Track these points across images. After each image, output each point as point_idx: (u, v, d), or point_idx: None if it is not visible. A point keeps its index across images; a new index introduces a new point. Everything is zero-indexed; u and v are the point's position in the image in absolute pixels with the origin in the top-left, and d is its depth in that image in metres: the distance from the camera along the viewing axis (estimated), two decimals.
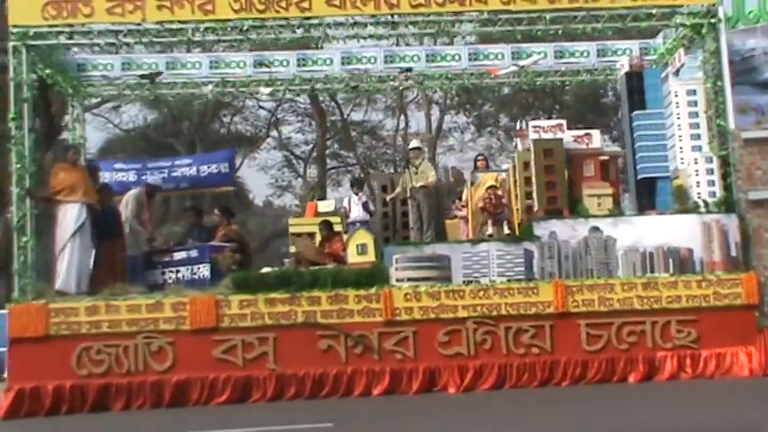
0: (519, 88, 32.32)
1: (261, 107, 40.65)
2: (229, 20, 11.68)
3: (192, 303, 11.06)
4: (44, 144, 29.39)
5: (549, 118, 36.72)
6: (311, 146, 40.92)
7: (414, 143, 13.90)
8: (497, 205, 12.15)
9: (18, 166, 11.39)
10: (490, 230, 12.18)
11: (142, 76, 13.33)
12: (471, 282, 11.39)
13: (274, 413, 9.99)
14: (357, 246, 11.69)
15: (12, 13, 11.50)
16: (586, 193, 11.89)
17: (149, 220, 12.79)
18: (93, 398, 10.79)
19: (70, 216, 11.52)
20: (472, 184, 13.43)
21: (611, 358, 11.13)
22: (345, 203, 13.99)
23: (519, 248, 11.53)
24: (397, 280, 11.31)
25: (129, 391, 10.85)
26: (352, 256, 11.74)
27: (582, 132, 12.35)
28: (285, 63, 14.42)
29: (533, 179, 12.04)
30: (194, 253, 12.67)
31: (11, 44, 11.49)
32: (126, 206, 12.64)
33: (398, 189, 13.39)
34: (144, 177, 14.14)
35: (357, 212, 13.45)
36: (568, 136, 12.12)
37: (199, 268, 12.57)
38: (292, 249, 13.91)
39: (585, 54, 14.83)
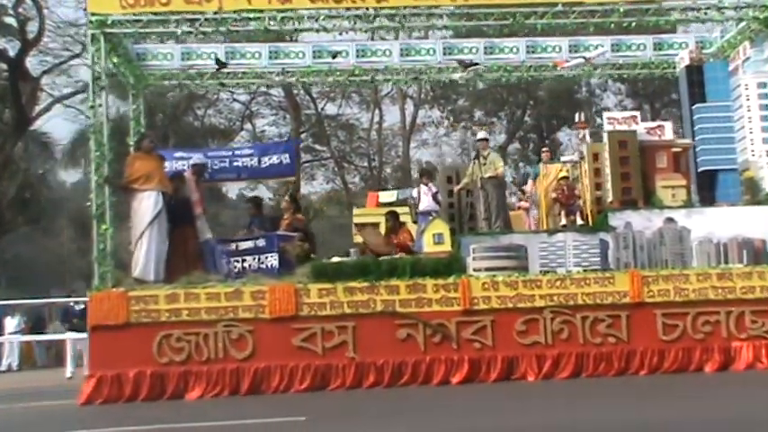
0: (494, 83, 32.41)
1: (235, 100, 40.55)
2: (305, 9, 11.69)
3: (272, 292, 11.08)
4: (15, 134, 29.49)
5: (523, 113, 36.90)
6: (285, 139, 40.12)
7: (481, 134, 13.93)
8: (570, 196, 12.20)
9: (97, 154, 11.40)
10: (563, 221, 12.22)
11: (218, 62, 13.32)
12: (548, 271, 11.44)
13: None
14: (434, 235, 11.73)
15: (90, 1, 11.52)
16: (660, 184, 11.95)
17: (200, 201, 12.69)
18: (173, 385, 10.84)
19: (146, 204, 11.54)
20: (535, 176, 13.46)
21: (687, 348, 11.18)
22: (415, 194, 13.98)
23: (594, 239, 11.58)
24: (475, 270, 11.35)
25: (208, 379, 10.90)
26: (429, 246, 11.78)
27: (654, 124, 12.41)
28: (345, 54, 14.44)
29: (607, 170, 12.09)
30: (261, 242, 12.70)
31: (89, 32, 11.50)
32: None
33: (466, 180, 13.41)
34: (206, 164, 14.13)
35: (427, 203, 13.45)
36: (641, 128, 12.18)
37: (266, 257, 12.57)
38: (357, 239, 13.92)
39: (642, 47, 14.88)
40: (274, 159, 14.49)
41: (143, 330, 10.92)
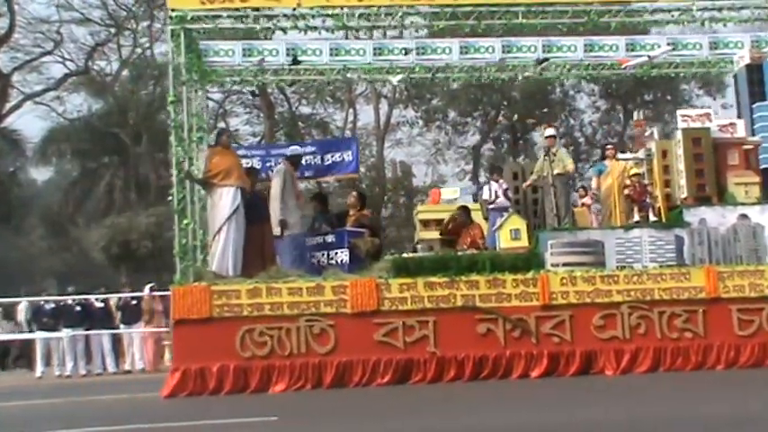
0: (468, 83, 32.51)
1: (209, 98, 40.77)
2: (383, 6, 11.75)
3: (353, 286, 11.14)
4: None
5: (497, 114, 36.98)
6: (259, 138, 40.48)
7: (549, 131, 14.02)
8: (642, 192, 12.30)
9: (178, 149, 11.46)
10: (636, 217, 12.33)
11: (294, 61, 13.36)
12: (625, 267, 11.54)
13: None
14: (511, 231, 11.82)
15: None
16: (733, 181, 12.05)
17: (301, 193, 12.68)
18: (256, 379, 10.91)
19: (225, 200, 11.59)
20: (601, 172, 13.57)
21: (762, 343, 11.29)
22: (485, 190, 14.06)
23: (670, 235, 11.68)
24: (553, 265, 11.44)
25: (291, 373, 10.97)
26: (505, 242, 11.87)
27: (726, 121, 12.50)
28: (404, 52, 14.50)
29: (681, 166, 12.20)
30: (331, 238, 12.75)
31: (169, 28, 11.56)
32: (273, 182, 12.56)
33: (534, 176, 13.50)
34: (268, 164, 14.19)
35: (497, 198, 13.53)
36: (713, 125, 12.29)
37: (336, 253, 12.62)
38: (423, 235, 14.00)
39: (698, 47, 14.98)
40: (337, 157, 14.55)
41: (225, 325, 10.98)
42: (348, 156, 14.65)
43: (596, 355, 11.20)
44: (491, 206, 13.61)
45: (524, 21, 12.20)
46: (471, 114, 37.75)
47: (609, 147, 14.49)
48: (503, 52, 14.56)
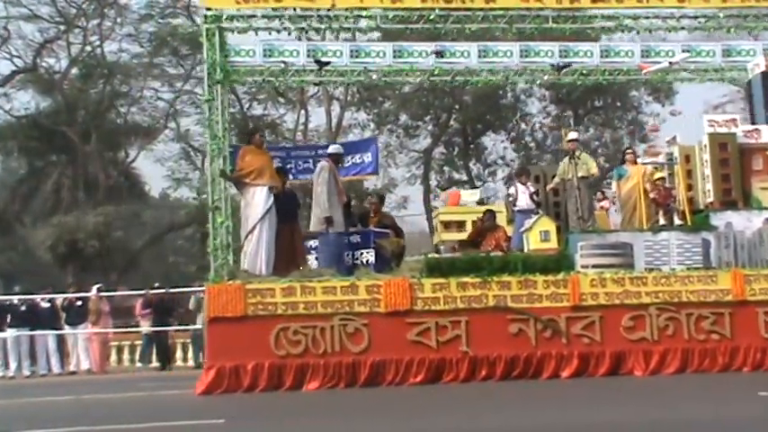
0: (419, 86, 32.64)
1: (159, 98, 40.50)
2: (416, 9, 11.85)
3: (387, 286, 11.22)
4: None
5: (449, 117, 37.23)
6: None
7: (572, 134, 14.14)
8: (667, 196, 12.49)
9: (212, 147, 11.50)
10: (662, 221, 12.50)
11: (317, 62, 13.40)
12: (653, 269, 11.70)
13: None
14: (540, 233, 11.95)
15: None
16: (759, 186, 12.27)
17: (342, 191, 12.67)
18: (291, 377, 10.96)
19: (258, 199, 11.64)
20: (620, 177, 13.74)
21: None
22: (512, 192, 14.18)
23: (697, 238, 11.86)
24: (583, 266, 11.58)
25: (325, 372, 11.03)
26: (535, 243, 11.99)
27: (751, 127, 12.72)
28: (424, 54, 14.58)
29: (707, 171, 12.39)
30: (356, 238, 12.84)
31: (204, 27, 11.60)
32: (317, 179, 12.46)
33: (557, 179, 13.65)
34: (288, 165, 14.22)
35: (524, 201, 13.66)
36: (738, 131, 12.49)
37: (362, 253, 12.75)
38: (444, 237, 14.10)
39: (712, 54, 15.18)
40: (356, 158, 14.61)
41: (260, 323, 11.02)
42: (368, 157, 14.73)
43: (625, 356, 11.34)
44: (517, 208, 13.74)
45: (554, 25, 12.34)
46: (423, 118, 37.64)
47: (629, 151, 14.65)
48: (521, 56, 14.69)
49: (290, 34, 12.51)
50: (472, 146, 39.36)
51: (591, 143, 39.27)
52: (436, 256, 11.96)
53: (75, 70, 40.55)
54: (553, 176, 13.95)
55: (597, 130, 39.25)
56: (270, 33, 12.48)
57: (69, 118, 39.05)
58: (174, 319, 21.35)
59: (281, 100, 38.56)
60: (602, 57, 14.92)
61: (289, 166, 14.31)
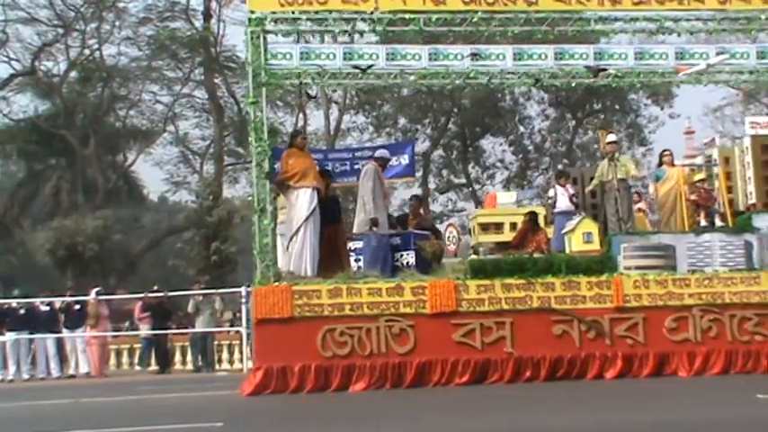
0: (417, 90, 32.56)
1: (158, 101, 41.02)
2: (459, 12, 11.90)
3: (432, 287, 11.28)
4: None
5: (447, 120, 37.23)
6: (208, 142, 41.02)
7: (611, 137, 14.20)
8: (708, 198, 12.54)
9: (258, 149, 11.57)
10: (703, 222, 12.55)
11: (355, 66, 13.40)
12: (696, 271, 11.74)
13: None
14: (583, 234, 12.01)
15: (251, 0, 11.69)
16: None
17: (387, 193, 12.72)
18: (337, 379, 11.02)
19: (302, 201, 11.69)
20: (658, 179, 13.78)
21: None
22: (552, 194, 14.24)
23: (740, 239, 11.90)
24: (626, 268, 11.63)
25: (371, 373, 11.09)
26: (577, 245, 12.05)
27: None
28: (459, 57, 14.59)
29: (749, 173, 12.45)
30: (397, 240, 12.91)
31: (249, 30, 11.67)
32: (363, 181, 12.51)
33: (595, 181, 13.71)
34: (326, 166, 14.27)
35: (564, 203, 13.72)
36: None
37: (402, 255, 12.82)
38: (482, 239, 14.16)
39: (745, 56, 15.16)
40: (394, 161, 14.66)
41: (307, 324, 11.09)
42: (404, 159, 14.80)
43: (669, 357, 11.39)
44: (557, 210, 13.80)
45: (596, 27, 12.38)
46: (421, 121, 37.99)
47: (666, 153, 14.67)
48: (555, 59, 14.68)
49: (333, 37, 12.54)
50: (471, 149, 39.48)
51: (590, 146, 39.46)
52: (481, 257, 11.97)
53: (73, 74, 41.02)
54: (591, 179, 14.00)
55: (596, 134, 39.37)
56: (313, 36, 12.50)
57: (68, 121, 39.50)
58: (173, 323, 21.49)
59: (280, 103, 38.68)
60: (636, 59, 14.93)
61: (326, 167, 14.36)
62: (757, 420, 7.38)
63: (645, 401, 9.35)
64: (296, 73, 14.56)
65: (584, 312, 11.38)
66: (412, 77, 14.84)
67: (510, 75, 14.76)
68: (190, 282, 26.07)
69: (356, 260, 12.90)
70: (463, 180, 38.83)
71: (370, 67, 12.94)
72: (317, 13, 11.79)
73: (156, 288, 22.15)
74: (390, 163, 14.71)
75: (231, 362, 21.03)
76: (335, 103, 38.40)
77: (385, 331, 11.17)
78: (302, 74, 14.50)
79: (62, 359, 19.96)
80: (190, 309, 20.88)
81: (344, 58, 14.36)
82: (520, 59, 14.49)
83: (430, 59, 14.44)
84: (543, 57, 14.59)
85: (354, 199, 14.83)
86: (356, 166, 14.26)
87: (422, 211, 14.00)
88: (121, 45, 40.02)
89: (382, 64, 14.46)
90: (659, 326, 11.43)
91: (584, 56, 14.59)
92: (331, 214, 12.16)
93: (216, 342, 20.98)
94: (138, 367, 21.41)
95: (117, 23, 39.53)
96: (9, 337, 19.17)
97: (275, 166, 12.05)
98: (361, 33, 12.20)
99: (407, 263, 12.66)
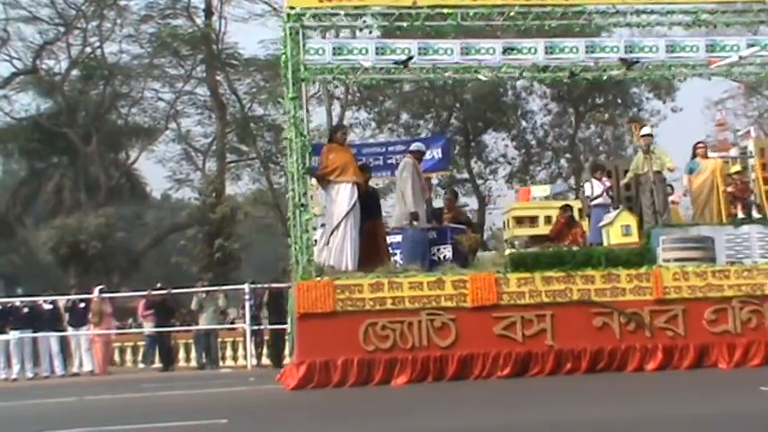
0: (420, 85, 32.46)
1: (160, 98, 41.04)
2: (497, 6, 11.94)
3: (473, 281, 11.35)
4: None
5: (450, 115, 37.17)
6: (210, 139, 41.04)
7: (645, 130, 14.22)
8: (744, 190, 12.56)
9: (298, 144, 11.64)
10: (740, 214, 12.59)
11: (396, 62, 13.44)
12: (735, 262, 11.78)
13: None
14: (622, 227, 12.05)
15: None
16: None
17: (425, 187, 12.75)
18: (380, 372, 11.09)
19: (343, 196, 11.78)
20: (692, 171, 13.81)
21: None
22: (588, 187, 14.28)
23: None
24: (665, 260, 11.68)
25: (413, 366, 11.16)
26: (616, 237, 12.09)
27: None
28: (491, 51, 14.60)
29: None
30: (433, 234, 12.97)
31: (287, 26, 11.74)
32: (401, 175, 12.58)
33: (630, 174, 13.74)
34: (360, 160, 14.31)
35: (600, 196, 13.76)
36: None
37: (439, 249, 12.88)
38: (516, 232, 14.22)
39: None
40: (428, 154, 14.69)
41: (349, 318, 11.16)
42: (438, 153, 14.83)
43: (709, 349, 11.43)
44: (593, 203, 13.84)
45: (632, 19, 12.42)
46: (423, 116, 37.89)
47: (700, 145, 14.68)
48: (586, 52, 14.68)
49: (371, 32, 12.58)
50: (473, 144, 39.41)
51: (592, 140, 39.42)
52: (520, 251, 12.04)
53: (75, 72, 40.91)
54: (625, 171, 14.04)
55: (598, 128, 39.34)
56: (352, 32, 12.56)
57: (70, 119, 39.52)
58: (177, 320, 21.63)
59: (281, 100, 38.54)
60: (667, 52, 14.93)
61: (359, 161, 14.39)
62: None
63: (684, 393, 9.43)
64: (329, 68, 14.66)
65: (623, 305, 11.43)
66: (447, 73, 14.92)
67: (542, 69, 14.83)
68: (193, 279, 26.13)
69: (394, 254, 12.97)
70: (466, 175, 38.81)
71: (410, 59, 12.96)
72: (355, 8, 11.81)
73: (159, 285, 22.20)
74: (425, 156, 14.75)
75: (235, 359, 21.18)
76: (337, 99, 38.35)
77: (426, 325, 11.23)
78: (335, 69, 14.60)
79: (66, 357, 20.00)
80: (193, 306, 20.94)
81: (376, 53, 14.45)
82: (552, 53, 14.54)
83: (462, 54, 14.53)
84: (575, 50, 14.64)
85: (386, 194, 14.90)
86: (389, 161, 14.27)
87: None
88: (123, 43, 39.99)
89: (415, 58, 14.53)
90: (699, 318, 11.47)
91: (616, 49, 14.65)
92: (371, 209, 12.23)
93: (219, 339, 21.05)
94: (141, 365, 21.53)
95: (118, 21, 39.47)
96: (12, 335, 19.19)
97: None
98: (400, 29, 12.12)
99: (444, 256, 12.74)
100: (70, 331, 19.96)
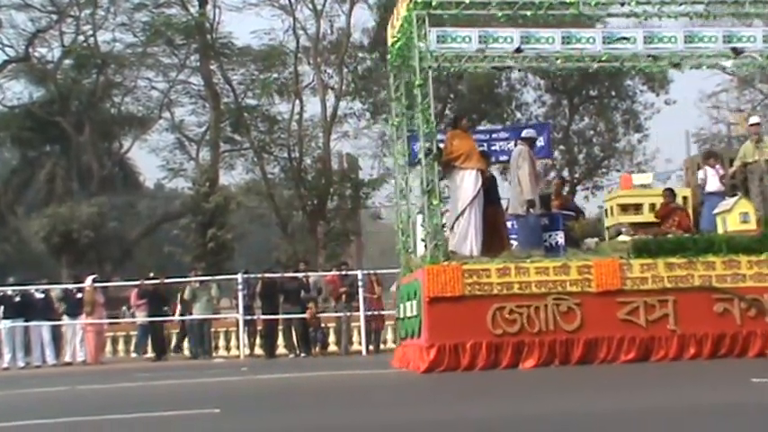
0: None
1: (153, 87, 41.02)
2: None
3: (598, 267, 11.56)
4: None
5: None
6: (204, 128, 40.90)
7: (753, 119, 14.37)
8: None
9: (426, 131, 11.84)
10: None
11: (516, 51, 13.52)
12: None
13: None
14: (740, 214, 12.23)
15: None
16: None
17: (539, 175, 12.93)
18: (508, 356, 11.32)
19: (468, 182, 12.00)
20: None
21: None
22: (702, 175, 14.44)
23: None
24: None
25: (540, 350, 11.39)
26: (734, 225, 12.26)
27: None
28: (591, 41, 14.62)
29: None
30: (545, 220, 13.15)
31: (414, 14, 11.91)
32: (517, 162, 12.69)
33: (737, 162, 13.91)
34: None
35: (715, 184, 13.94)
36: None
37: (550, 235, 13.07)
38: (621, 219, 14.38)
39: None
40: None
41: (477, 302, 11.38)
42: (540, 141, 14.97)
43: None
44: (707, 191, 14.00)
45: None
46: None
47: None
48: (685, 42, 14.68)
49: (499, 20, 12.68)
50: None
51: (586, 132, 39.49)
52: (640, 237, 12.25)
53: (68, 60, 40.72)
54: (731, 160, 14.19)
55: (592, 119, 39.36)
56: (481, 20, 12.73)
57: (63, 108, 39.38)
58: (170, 310, 21.47)
59: (276, 90, 38.91)
60: (686, 42, 14.72)
61: None
62: None
63: None
64: (435, 56, 14.74)
65: (744, 291, 11.64)
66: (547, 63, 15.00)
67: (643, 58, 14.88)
68: (186, 269, 26.05)
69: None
70: None
71: (519, 50, 13.11)
72: None
73: (152, 275, 22.13)
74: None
75: (228, 348, 21.25)
76: (332, 89, 38.45)
77: (553, 309, 11.44)
78: (439, 58, 14.70)
79: (58, 347, 20.00)
80: (186, 296, 20.85)
81: (479, 42, 14.56)
82: (651, 43, 14.57)
83: (563, 43, 14.62)
84: (673, 40, 14.58)
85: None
86: (493, 148, 14.43)
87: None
88: (116, 31, 39.89)
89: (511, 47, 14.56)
90: None
91: (674, 39, 14.68)
92: (492, 195, 12.43)
93: (213, 329, 21.07)
94: (134, 354, 21.46)
95: (112, 9, 39.39)
96: (4, 324, 19.23)
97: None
98: (524, 16, 12.26)
99: (557, 242, 12.93)
100: (65, 320, 19.99)
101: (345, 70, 38.54)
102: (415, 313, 11.97)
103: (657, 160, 39.66)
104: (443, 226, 11.85)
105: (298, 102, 38.69)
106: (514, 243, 12.92)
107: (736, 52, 13.44)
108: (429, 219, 11.73)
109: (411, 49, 13.09)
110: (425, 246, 11.82)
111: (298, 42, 38.29)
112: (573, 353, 11.41)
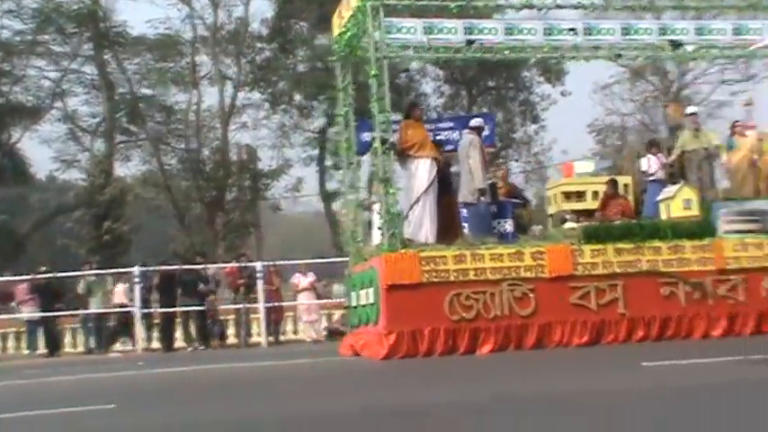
0: (313, 66, 32.46)
1: (45, 77, 40.05)
2: None
3: (550, 253, 11.85)
4: None
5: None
6: (99, 119, 40.41)
7: (691, 108, 14.84)
8: None
9: (381, 121, 11.92)
10: None
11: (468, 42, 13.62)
12: None
13: None
14: (683, 201, 12.65)
15: None
16: None
17: (488, 164, 13.10)
18: (465, 341, 11.51)
19: (422, 171, 12.14)
20: (731, 148, 14.52)
21: None
22: (644, 163, 14.81)
23: None
24: (725, 232, 12.36)
25: (496, 335, 11.61)
26: (677, 211, 12.68)
27: None
28: (648, 32, 14.70)
29: None
30: (494, 208, 13.40)
31: (368, 4, 11.98)
32: (467, 151, 12.83)
33: (677, 151, 14.35)
34: None
35: (657, 172, 14.33)
36: None
37: (499, 223, 13.35)
38: (564, 206, 14.70)
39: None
40: None
41: (434, 289, 11.54)
42: (485, 130, 15.12)
43: None
44: (650, 179, 14.41)
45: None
46: (317, 98, 37.61)
47: (737, 124, 15.32)
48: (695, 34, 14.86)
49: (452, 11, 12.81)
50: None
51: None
52: (590, 224, 12.59)
53: None
54: (669, 149, 14.67)
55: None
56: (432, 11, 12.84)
57: None
58: (63, 304, 20.68)
59: (171, 80, 38.71)
60: (696, 34, 15.40)
61: None
62: None
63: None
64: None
65: (688, 274, 12.08)
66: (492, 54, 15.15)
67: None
68: (81, 262, 25.06)
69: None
70: None
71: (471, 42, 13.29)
72: None
73: (44, 269, 21.30)
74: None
75: (124, 342, 20.83)
76: (229, 79, 38.35)
77: (507, 295, 11.68)
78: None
79: None
80: (81, 290, 20.42)
81: (424, 33, 14.69)
82: (627, 34, 14.69)
83: (505, 34, 14.83)
84: (685, 32, 14.73)
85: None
86: (438, 137, 14.51)
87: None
88: (3, 18, 38.61)
89: (501, 38, 14.51)
90: (758, 286, 12.20)
91: (649, 31, 15.09)
92: (446, 184, 12.59)
93: (111, 323, 20.68)
94: (26, 351, 20.71)
95: None
96: None
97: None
98: (475, 8, 12.46)
99: (505, 230, 13.19)
100: None
101: (243, 60, 38.35)
102: (371, 301, 12.06)
103: (554, 151, 40.72)
104: (399, 214, 11.96)
105: (195, 92, 38.53)
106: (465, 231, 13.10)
107: (675, 45, 13.88)
108: (386, 207, 11.82)
109: (362, 39, 13.20)
110: (382, 234, 11.89)
111: (195, 32, 38.07)
112: (527, 337, 11.67)
